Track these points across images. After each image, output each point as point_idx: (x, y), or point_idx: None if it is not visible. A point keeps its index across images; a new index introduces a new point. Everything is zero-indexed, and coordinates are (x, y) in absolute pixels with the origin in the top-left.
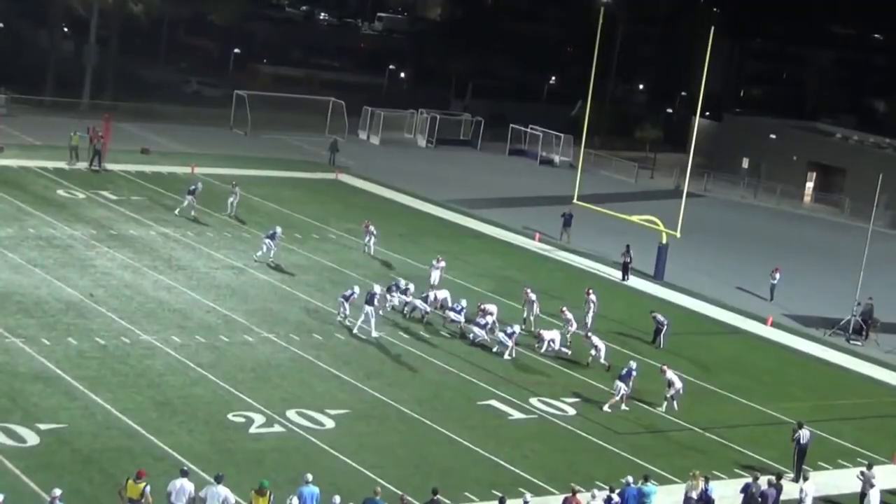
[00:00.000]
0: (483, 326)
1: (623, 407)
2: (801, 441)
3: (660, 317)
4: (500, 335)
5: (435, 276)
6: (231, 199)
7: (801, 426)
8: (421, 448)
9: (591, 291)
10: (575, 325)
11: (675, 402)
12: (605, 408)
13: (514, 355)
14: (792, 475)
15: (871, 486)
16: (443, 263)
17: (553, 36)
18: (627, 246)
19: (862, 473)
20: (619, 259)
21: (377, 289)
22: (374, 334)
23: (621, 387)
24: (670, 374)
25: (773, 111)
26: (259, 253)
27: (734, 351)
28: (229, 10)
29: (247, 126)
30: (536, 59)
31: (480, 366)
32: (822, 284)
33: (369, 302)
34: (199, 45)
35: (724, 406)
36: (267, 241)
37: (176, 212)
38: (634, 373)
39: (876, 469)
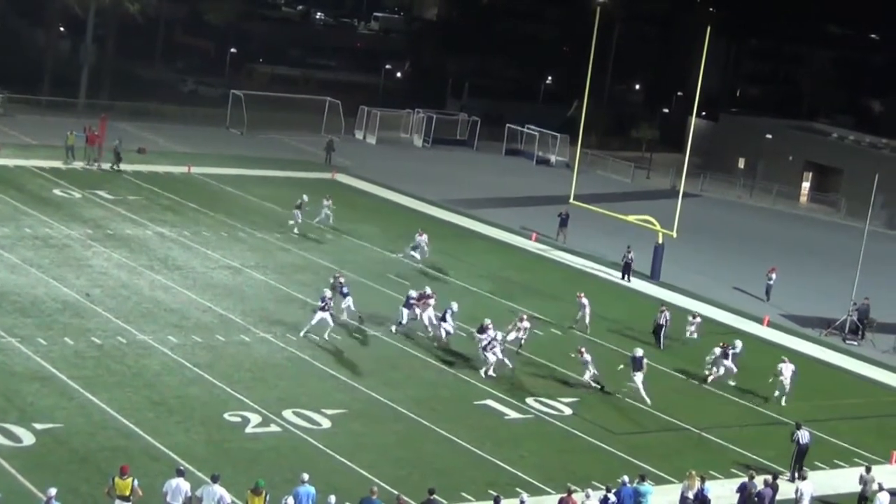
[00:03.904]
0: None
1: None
2: (801, 441)
3: (667, 315)
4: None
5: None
6: (325, 210)
7: (799, 427)
8: (417, 448)
9: (582, 295)
10: (592, 370)
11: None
12: (645, 397)
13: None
14: (788, 475)
15: (881, 489)
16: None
17: (549, 35)
18: (629, 246)
19: (861, 477)
20: (617, 259)
21: (328, 293)
22: (326, 337)
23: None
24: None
25: (769, 111)
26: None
27: None
28: (226, 10)
29: (243, 126)
30: (533, 58)
31: (477, 366)
32: (818, 284)
33: (324, 308)
34: (195, 44)
35: (721, 406)
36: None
37: (294, 231)
38: (644, 361)
39: (874, 469)
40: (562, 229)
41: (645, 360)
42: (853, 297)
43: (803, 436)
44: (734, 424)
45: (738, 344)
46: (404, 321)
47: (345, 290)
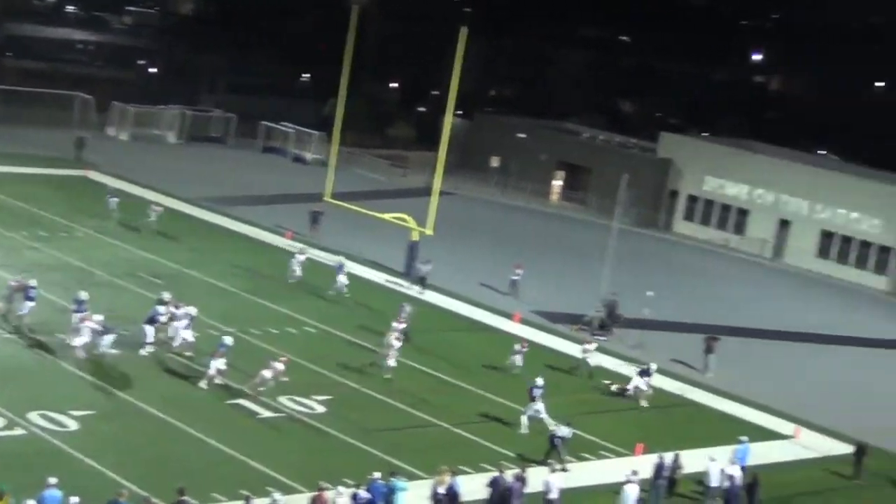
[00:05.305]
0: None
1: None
2: (557, 434)
3: (407, 309)
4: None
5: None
6: (153, 217)
7: (566, 424)
8: (167, 448)
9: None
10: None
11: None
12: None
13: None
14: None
15: (628, 481)
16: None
17: (307, 32)
18: (428, 260)
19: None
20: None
21: (84, 295)
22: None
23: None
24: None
25: (523, 111)
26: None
27: (484, 347)
28: None
29: None
30: (290, 55)
31: (229, 364)
32: (568, 281)
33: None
34: None
35: (476, 402)
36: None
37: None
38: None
39: (619, 461)
40: (314, 226)
41: (541, 392)
42: (601, 293)
43: (558, 430)
44: (487, 419)
45: (653, 367)
46: (150, 339)
47: (31, 293)
